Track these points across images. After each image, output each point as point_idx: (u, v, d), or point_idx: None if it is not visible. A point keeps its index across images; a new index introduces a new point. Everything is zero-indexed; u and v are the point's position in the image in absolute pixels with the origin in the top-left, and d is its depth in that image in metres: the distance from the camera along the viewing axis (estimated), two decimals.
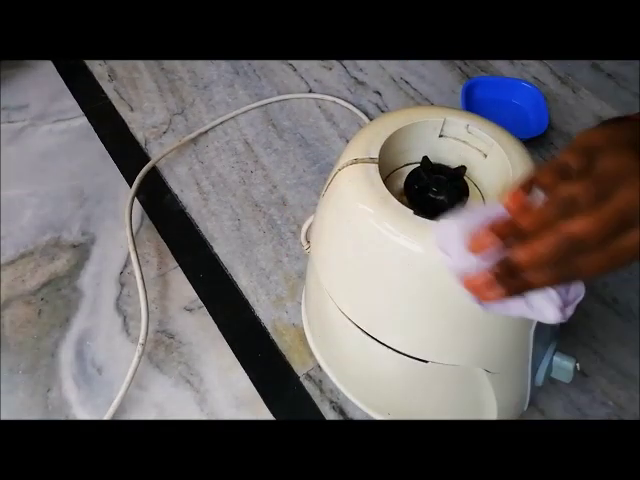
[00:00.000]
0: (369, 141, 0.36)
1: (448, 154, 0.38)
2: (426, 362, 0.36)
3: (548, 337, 0.40)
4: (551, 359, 0.40)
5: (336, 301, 0.38)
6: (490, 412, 0.40)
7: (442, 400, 0.41)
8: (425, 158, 0.37)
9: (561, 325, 0.43)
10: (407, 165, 0.39)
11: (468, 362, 0.36)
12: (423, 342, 0.36)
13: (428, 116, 0.37)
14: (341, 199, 0.36)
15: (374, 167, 0.35)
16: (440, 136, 0.38)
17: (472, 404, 0.41)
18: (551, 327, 0.41)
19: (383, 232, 0.33)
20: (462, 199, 0.36)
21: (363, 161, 0.35)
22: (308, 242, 0.41)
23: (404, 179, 0.37)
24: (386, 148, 0.36)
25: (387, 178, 0.38)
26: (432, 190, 0.35)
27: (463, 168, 0.37)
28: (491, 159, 0.37)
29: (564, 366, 0.40)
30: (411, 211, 0.33)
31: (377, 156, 0.35)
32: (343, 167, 0.36)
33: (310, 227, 0.41)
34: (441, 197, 0.35)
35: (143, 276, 0.52)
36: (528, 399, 0.42)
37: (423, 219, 0.32)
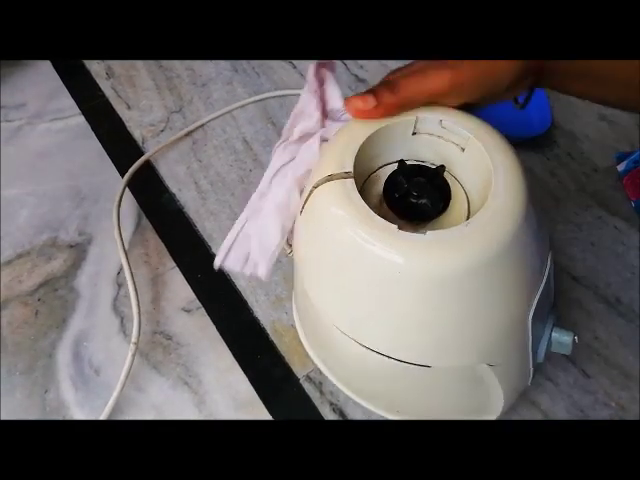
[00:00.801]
0: (340, 154, 0.34)
1: (424, 151, 0.37)
2: (429, 367, 0.35)
3: (545, 315, 0.40)
4: (550, 336, 0.40)
5: (329, 316, 0.37)
6: (496, 397, 0.40)
7: (447, 397, 0.41)
8: (401, 162, 0.36)
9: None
10: (383, 166, 0.37)
11: (471, 361, 0.36)
12: (423, 349, 0.35)
13: (399, 117, 0.36)
14: (320, 220, 0.35)
15: (350, 182, 0.33)
16: (413, 134, 0.36)
17: (477, 396, 0.41)
18: (547, 304, 0.40)
19: (368, 250, 0.32)
20: (444, 199, 0.35)
21: (338, 176, 0.34)
22: (290, 245, 0.40)
23: (381, 183, 0.36)
24: (359, 157, 0.35)
25: (364, 184, 0.37)
26: (413, 195, 0.34)
27: (442, 168, 0.35)
28: (469, 152, 0.35)
29: (563, 341, 0.40)
30: (395, 226, 0.32)
31: (352, 169, 0.34)
32: (318, 185, 0.35)
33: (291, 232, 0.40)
34: (423, 201, 0.34)
35: (134, 277, 0.52)
36: (531, 376, 0.42)
37: (409, 234, 0.31)
